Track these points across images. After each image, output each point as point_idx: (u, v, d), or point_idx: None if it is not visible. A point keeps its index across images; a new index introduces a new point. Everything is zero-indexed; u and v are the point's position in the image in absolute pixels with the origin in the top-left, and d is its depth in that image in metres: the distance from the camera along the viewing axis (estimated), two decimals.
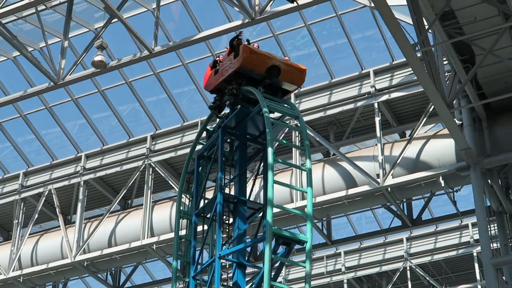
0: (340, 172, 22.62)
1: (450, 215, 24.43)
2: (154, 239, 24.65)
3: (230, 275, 16.81)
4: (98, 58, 20.20)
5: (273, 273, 15.91)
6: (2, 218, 29.00)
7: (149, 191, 25.33)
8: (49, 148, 27.92)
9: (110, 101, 26.30)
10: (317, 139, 23.16)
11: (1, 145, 28.96)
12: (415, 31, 16.53)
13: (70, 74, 21.15)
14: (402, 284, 30.94)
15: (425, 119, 21.87)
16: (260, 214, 17.48)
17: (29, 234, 26.99)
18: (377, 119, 22.44)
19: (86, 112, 26.74)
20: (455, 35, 17.64)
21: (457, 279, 31.31)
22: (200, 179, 18.30)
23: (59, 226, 26.90)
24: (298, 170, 22.86)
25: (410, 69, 20.25)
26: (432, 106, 20.33)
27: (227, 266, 17.05)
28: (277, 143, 18.83)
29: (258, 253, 24.74)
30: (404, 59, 20.15)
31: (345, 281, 31.02)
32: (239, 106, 17.79)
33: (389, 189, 22.04)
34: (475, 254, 29.20)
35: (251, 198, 18.63)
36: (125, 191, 25.63)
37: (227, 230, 17.36)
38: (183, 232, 18.51)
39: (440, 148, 21.62)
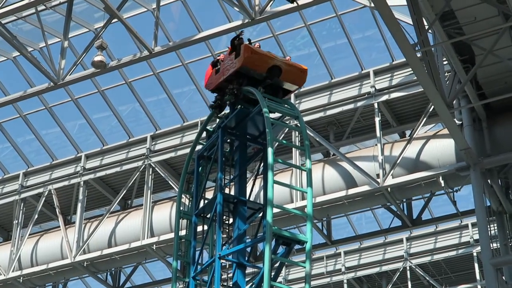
0: (340, 172, 22.63)
1: (450, 215, 24.43)
2: (154, 239, 24.65)
3: (230, 275, 16.81)
4: (98, 58, 20.20)
5: (273, 273, 15.92)
6: (2, 219, 28.99)
7: (149, 191, 25.33)
8: (49, 148, 27.93)
9: (110, 101, 26.30)
10: (317, 139, 23.16)
11: (1, 145, 28.97)
12: (415, 31, 16.53)
13: (70, 74, 21.14)
14: (402, 284, 30.94)
15: (425, 119, 21.88)
16: (260, 214, 17.48)
17: (29, 235, 26.98)
18: (377, 119, 22.44)
19: (86, 112, 26.73)
20: (455, 35, 17.64)
21: (457, 279, 31.31)
22: (200, 179, 18.30)
23: (59, 227, 26.90)
24: (298, 170, 22.86)
25: (410, 69, 20.25)
26: (432, 106, 20.33)
27: (227, 266, 17.05)
28: (277, 143, 18.82)
29: (258, 253, 24.73)
30: (404, 59, 20.16)
31: (345, 281, 31.01)
32: (239, 106, 17.79)
33: (389, 189, 22.04)
34: (475, 254, 29.20)
35: (251, 198, 18.63)
36: (125, 191, 25.63)
37: (227, 230, 17.36)
38: (183, 232, 18.51)
39: (440, 148, 21.62)
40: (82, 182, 26.45)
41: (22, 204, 27.43)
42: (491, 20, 17.09)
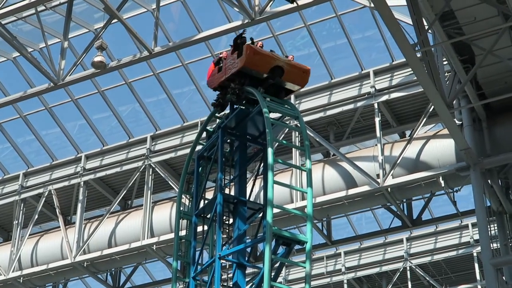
0: (340, 173, 22.63)
1: (450, 215, 24.43)
2: (154, 240, 24.65)
3: (230, 275, 16.81)
4: (98, 58, 20.21)
5: (273, 274, 15.92)
6: (2, 219, 28.99)
7: (149, 191, 25.33)
8: (49, 148, 27.93)
9: (110, 101, 26.30)
10: (317, 139, 23.17)
11: (1, 145, 28.97)
12: (415, 32, 16.54)
13: (70, 75, 21.14)
14: (402, 284, 30.94)
15: (425, 119, 21.88)
16: (260, 215, 17.48)
17: (29, 235, 26.98)
18: (377, 119, 22.45)
19: (86, 112, 26.73)
20: (455, 35, 17.65)
21: (457, 279, 31.31)
22: (200, 180, 18.30)
23: (59, 227, 26.90)
24: (298, 170, 22.86)
25: (410, 69, 20.25)
26: (432, 106, 20.34)
27: (227, 267, 17.06)
28: (277, 143, 18.82)
29: (258, 254, 24.74)
30: (404, 60, 20.17)
31: (345, 281, 31.02)
32: (239, 106, 17.79)
33: (389, 189, 22.04)
34: (475, 254, 29.19)
35: (251, 199, 18.63)
36: (125, 191, 25.62)
37: (227, 230, 17.36)
38: (183, 233, 18.52)
39: (440, 148, 21.62)
40: (82, 183, 26.45)
41: (22, 204, 27.43)
42: (491, 20, 17.09)
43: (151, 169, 25.49)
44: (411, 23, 16.84)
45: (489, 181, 20.34)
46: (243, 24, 19.51)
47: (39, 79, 24.10)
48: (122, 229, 25.65)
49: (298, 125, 17.25)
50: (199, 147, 18.94)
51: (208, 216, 17.60)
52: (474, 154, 19.55)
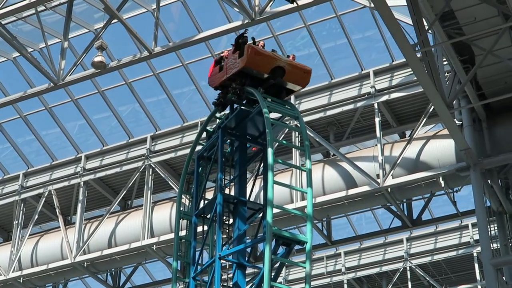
0: (340, 173, 22.63)
1: (450, 215, 24.43)
2: (154, 240, 24.65)
3: (230, 275, 16.81)
4: (98, 58, 20.21)
5: (273, 274, 15.92)
6: (2, 219, 28.99)
7: (149, 191, 25.33)
8: (49, 148, 27.92)
9: (110, 101, 26.30)
10: (317, 139, 23.17)
11: (1, 146, 28.96)
12: (415, 32, 16.54)
13: (70, 75, 21.14)
14: (402, 284, 30.94)
15: (425, 119, 21.87)
16: (260, 215, 17.48)
17: (29, 235, 26.98)
18: (377, 120, 22.45)
19: (86, 112, 26.73)
20: (455, 35, 17.65)
21: (457, 280, 31.31)
22: (200, 180, 18.30)
23: (59, 227, 26.90)
24: (298, 170, 22.86)
25: (410, 69, 20.25)
26: (432, 107, 20.34)
27: (227, 267, 17.06)
28: (277, 143, 18.82)
29: (258, 254, 24.74)
30: (404, 60, 20.18)
31: (345, 281, 31.01)
32: (239, 106, 17.79)
33: (389, 189, 22.03)
34: (475, 254, 29.19)
35: (251, 199, 18.63)
36: (125, 191, 25.62)
37: (227, 230, 17.36)
38: (183, 233, 18.52)
39: (440, 149, 21.62)
40: (82, 183, 26.45)
41: (22, 204, 27.43)
42: (491, 20, 17.09)
43: (151, 169, 25.49)
44: (411, 23, 16.84)
45: (489, 181, 20.34)
46: (243, 24, 19.51)
47: (39, 79, 24.13)
48: (122, 229, 25.65)
49: (298, 125, 17.25)
50: (199, 147, 18.94)
51: (208, 216, 17.60)
52: (474, 154, 19.55)
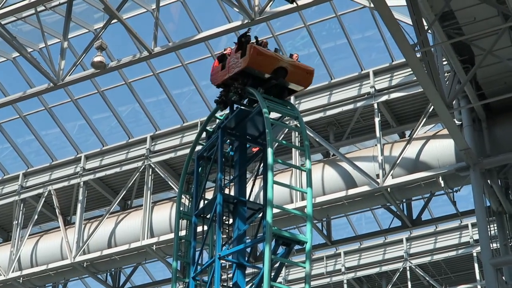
0: (340, 173, 22.63)
1: (449, 215, 24.43)
2: (154, 240, 24.65)
3: (230, 275, 16.81)
4: (97, 58, 20.20)
5: (273, 274, 15.92)
6: (2, 219, 28.99)
7: (148, 191, 25.32)
8: (49, 149, 27.92)
9: (110, 101, 26.29)
10: (317, 139, 23.17)
11: (0, 146, 28.95)
12: (415, 32, 16.54)
13: (69, 75, 21.13)
14: (402, 284, 30.94)
15: (424, 119, 21.88)
16: (260, 215, 17.48)
17: (29, 235, 26.98)
18: (376, 120, 22.45)
19: (86, 113, 26.73)
20: (455, 35, 17.65)
21: (457, 279, 31.32)
22: (200, 180, 18.30)
23: (58, 227, 26.90)
24: (298, 170, 22.86)
25: (410, 69, 20.25)
26: (432, 107, 20.34)
27: (227, 267, 17.06)
28: (277, 143, 18.81)
29: (258, 254, 24.74)
30: (404, 60, 20.17)
31: (345, 281, 31.02)
32: (239, 106, 17.79)
33: (388, 189, 22.04)
34: (475, 254, 29.20)
35: (251, 199, 18.63)
36: (124, 191, 25.62)
37: (227, 230, 17.36)
38: (183, 233, 18.51)
39: (439, 149, 21.62)
40: (82, 183, 26.45)
41: (22, 204, 27.43)
42: (490, 20, 17.10)
43: (150, 169, 25.48)
44: (411, 23, 16.84)
45: (488, 181, 20.35)
46: (243, 24, 19.50)
47: (38, 79, 24.13)
48: (122, 229, 25.65)
49: (298, 125, 17.25)
50: (199, 147, 18.94)
51: (208, 216, 17.60)
52: (474, 154, 19.55)
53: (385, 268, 30.77)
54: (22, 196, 27.42)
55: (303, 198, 22.39)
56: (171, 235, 23.63)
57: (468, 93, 19.45)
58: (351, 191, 22.27)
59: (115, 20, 20.27)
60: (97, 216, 27.37)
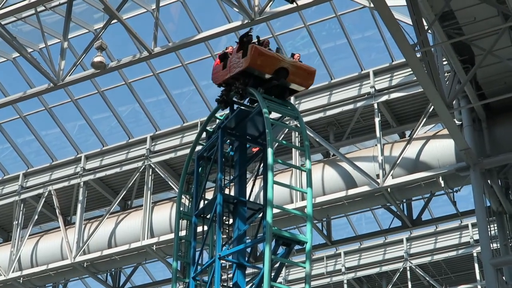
0: (340, 173, 22.63)
1: (450, 215, 24.42)
2: (154, 240, 24.65)
3: (230, 275, 16.81)
4: (97, 59, 20.19)
5: (273, 274, 15.92)
6: (2, 219, 28.99)
7: (149, 192, 25.32)
8: (49, 149, 27.92)
9: (110, 102, 26.29)
10: (317, 139, 23.17)
11: (0, 146, 28.95)
12: (415, 32, 16.54)
13: (69, 75, 21.12)
14: (402, 284, 30.93)
15: (424, 119, 21.87)
16: (260, 215, 17.48)
17: (29, 235, 26.98)
18: (376, 120, 22.45)
19: (86, 113, 26.73)
20: (455, 35, 17.65)
21: (457, 280, 31.31)
22: (200, 180, 18.30)
23: (59, 227, 26.90)
24: (298, 170, 22.85)
25: (410, 69, 20.24)
26: (432, 107, 20.34)
27: (227, 267, 17.06)
28: (277, 143, 18.81)
29: (258, 254, 24.74)
30: (404, 60, 20.16)
31: (345, 281, 31.01)
32: (239, 107, 17.79)
33: (389, 189, 22.04)
34: (475, 254, 29.19)
35: (251, 199, 18.63)
36: (125, 192, 25.62)
37: (227, 230, 17.36)
38: (183, 233, 18.51)
39: (440, 149, 21.62)
40: (82, 183, 26.45)
41: (22, 205, 27.42)
42: (490, 20, 17.10)
43: (151, 170, 25.48)
44: (411, 23, 16.84)
45: (489, 181, 20.34)
46: (243, 24, 19.49)
47: (39, 80, 24.13)
48: (122, 229, 25.65)
49: (298, 125, 17.24)
50: (199, 148, 18.93)
51: (208, 216, 17.60)
52: (474, 154, 19.55)
53: (385, 268, 30.77)
54: (22, 196, 27.41)
55: (303, 198, 22.39)
56: (171, 235, 23.63)
57: (468, 93, 19.45)
58: (351, 191, 22.27)
59: (115, 20, 20.27)
60: (97, 216, 27.38)
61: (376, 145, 22.33)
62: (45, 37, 22.12)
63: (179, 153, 25.20)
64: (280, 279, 29.45)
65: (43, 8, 22.77)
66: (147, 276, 29.91)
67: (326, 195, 22.60)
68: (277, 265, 16.40)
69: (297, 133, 22.70)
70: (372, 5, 20.72)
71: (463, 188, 22.61)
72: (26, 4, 19.53)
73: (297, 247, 16.06)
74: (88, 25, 24.36)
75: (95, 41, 20.40)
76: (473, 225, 28.66)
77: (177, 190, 23.89)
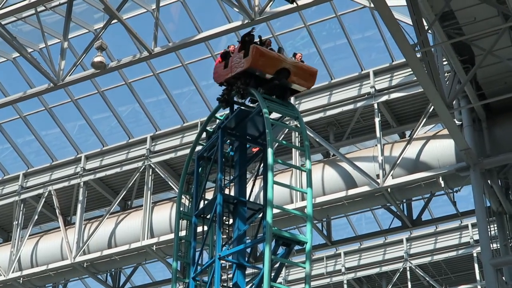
0: (340, 173, 22.63)
1: (450, 215, 24.42)
2: (154, 240, 24.65)
3: (230, 276, 16.81)
4: (97, 59, 20.20)
5: (273, 274, 15.92)
6: (2, 219, 28.98)
7: (149, 192, 25.32)
8: (49, 149, 27.92)
9: (110, 102, 26.29)
10: (317, 139, 23.16)
11: (1, 146, 28.96)
12: (415, 32, 16.54)
13: (69, 75, 21.13)
14: (402, 284, 30.92)
15: (425, 119, 21.87)
16: (260, 215, 17.48)
17: (29, 235, 26.97)
18: (376, 120, 22.44)
19: (86, 113, 26.73)
20: (455, 35, 17.65)
21: (457, 280, 31.30)
22: (200, 180, 18.29)
23: (59, 227, 26.90)
24: (298, 170, 22.85)
25: (410, 69, 20.24)
26: (432, 107, 20.34)
27: (227, 267, 17.06)
28: (277, 143, 18.81)
29: (258, 254, 24.73)
30: (404, 60, 20.17)
31: (345, 281, 31.01)
32: (239, 107, 17.79)
33: (389, 189, 22.03)
34: (475, 254, 29.19)
35: (251, 199, 18.62)
36: (125, 192, 25.61)
37: (227, 231, 17.35)
38: (183, 233, 18.51)
39: (440, 149, 21.62)
40: (82, 183, 26.44)
41: (22, 205, 27.42)
42: (490, 20, 17.09)
43: (151, 170, 25.48)
44: (411, 23, 16.84)
45: (489, 181, 20.34)
46: (243, 24, 19.49)
47: (39, 80, 24.12)
48: (122, 229, 25.65)
49: (298, 125, 17.24)
50: (199, 148, 18.93)
51: (208, 216, 17.59)
52: (474, 155, 19.54)
53: (385, 268, 30.76)
54: (22, 196, 27.41)
55: (303, 198, 22.39)
56: (171, 236, 23.63)
57: (468, 93, 19.45)
58: (351, 191, 22.27)
59: (115, 20, 20.27)
60: (97, 217, 27.37)
61: (376, 145, 22.32)
62: (45, 37, 22.12)
63: (179, 153, 25.20)
64: (280, 279, 29.45)
65: (43, 8, 22.77)
66: (147, 276, 29.92)
67: (326, 195, 22.60)
68: (277, 265, 16.39)
69: (297, 133, 22.69)
70: (372, 5, 20.72)
71: (463, 188, 22.61)
72: (26, 4, 19.54)
73: (297, 247, 16.06)
74: (88, 25, 24.36)
75: (95, 41, 20.40)
76: (473, 225, 28.65)
77: (177, 190, 23.89)
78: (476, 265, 29.19)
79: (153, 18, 21.86)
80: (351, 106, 23.05)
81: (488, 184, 20.29)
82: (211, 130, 18.49)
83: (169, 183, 25.36)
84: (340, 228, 29.74)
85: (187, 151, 22.37)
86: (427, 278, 30.51)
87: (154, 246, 24.82)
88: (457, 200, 23.54)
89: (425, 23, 16.91)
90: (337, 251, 31.20)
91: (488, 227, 19.59)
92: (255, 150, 18.27)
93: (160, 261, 26.07)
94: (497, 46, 17.30)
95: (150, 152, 25.62)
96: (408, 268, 30.26)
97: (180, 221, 18.34)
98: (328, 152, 24.22)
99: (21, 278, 26.93)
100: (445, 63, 19.84)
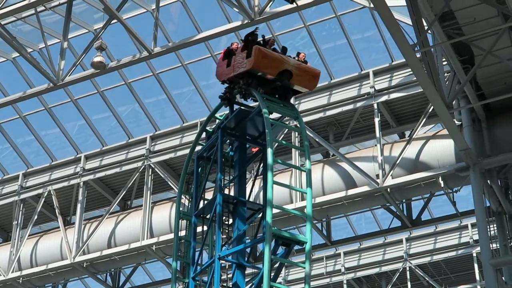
0: (339, 173, 22.63)
1: (449, 215, 24.42)
2: (154, 240, 24.64)
3: (230, 275, 16.81)
4: (97, 59, 20.19)
5: (272, 274, 15.92)
6: (2, 219, 28.98)
7: (148, 192, 25.32)
8: (49, 149, 27.91)
9: (110, 102, 26.29)
10: (317, 139, 23.17)
11: (0, 146, 28.95)
12: (415, 32, 16.54)
13: (69, 75, 21.12)
14: (402, 284, 30.93)
15: (424, 119, 21.88)
16: (260, 215, 17.48)
17: (29, 235, 26.97)
18: (376, 120, 22.45)
19: (86, 113, 26.72)
20: (455, 35, 17.65)
21: (457, 280, 31.31)
22: (199, 180, 18.30)
23: (58, 227, 26.89)
24: (297, 170, 22.85)
25: (410, 69, 20.26)
26: (432, 107, 20.35)
27: (227, 267, 17.06)
28: (277, 143, 18.81)
29: (257, 254, 24.74)
30: (404, 60, 20.15)
31: (345, 281, 31.01)
32: (239, 107, 17.79)
33: (388, 189, 22.03)
34: (474, 254, 29.19)
35: (251, 199, 18.62)
36: (124, 192, 25.61)
37: (227, 230, 17.36)
38: (182, 233, 18.52)
39: (439, 149, 21.62)
40: (81, 183, 26.44)
41: (22, 205, 27.42)
42: (490, 20, 17.10)
43: (150, 170, 25.48)
44: (410, 23, 16.84)
45: (488, 181, 20.34)
46: (242, 24, 19.49)
47: (38, 80, 24.11)
48: (122, 229, 25.65)
49: (298, 125, 17.24)
50: (198, 148, 18.93)
51: (208, 216, 17.60)
52: (474, 155, 19.55)
53: (385, 268, 30.77)
54: (22, 196, 27.41)
55: (303, 198, 22.39)
56: (171, 235, 23.63)
57: (468, 93, 19.45)
58: (351, 191, 22.27)
59: (115, 20, 20.26)
60: (97, 216, 27.37)
61: (376, 145, 22.32)
62: (45, 37, 22.12)
63: (179, 153, 25.20)
64: (279, 279, 29.44)
65: (43, 8, 22.77)
66: (146, 276, 29.93)
67: (326, 195, 22.60)
68: (276, 265, 16.40)
69: (297, 133, 22.69)
70: (372, 5, 20.71)
71: (462, 188, 22.61)
72: (26, 4, 19.53)
73: (296, 247, 16.07)
74: (88, 25, 24.36)
75: (95, 41, 20.39)
76: (473, 225, 28.66)
77: (176, 190, 23.88)
78: (475, 265, 29.20)
79: (153, 18, 21.87)
80: (350, 106, 23.05)
81: (487, 184, 20.30)
82: (211, 130, 18.49)
83: (169, 183, 25.37)
84: (339, 228, 29.77)
85: (187, 151, 22.37)
86: (426, 278, 30.52)
87: (154, 246, 24.81)
88: (457, 200, 23.54)
89: (424, 23, 16.91)
90: (336, 251, 31.20)
91: (488, 227, 19.60)
92: (254, 150, 18.27)
93: (160, 261, 26.07)
94: (497, 46, 17.31)
95: (149, 152, 25.62)
96: (407, 268, 30.27)
97: (180, 221, 18.33)
98: (327, 152, 24.23)
99: (21, 278, 26.92)
100: (444, 63, 19.84)
